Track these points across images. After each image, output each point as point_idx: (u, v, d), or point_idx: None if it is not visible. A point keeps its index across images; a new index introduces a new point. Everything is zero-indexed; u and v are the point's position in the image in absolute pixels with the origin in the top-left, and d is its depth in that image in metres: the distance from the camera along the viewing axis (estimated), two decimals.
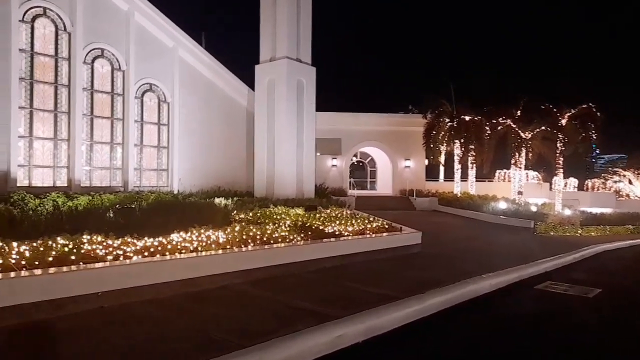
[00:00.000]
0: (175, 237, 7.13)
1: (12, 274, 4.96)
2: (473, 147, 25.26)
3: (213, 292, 6.03)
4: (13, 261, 5.25)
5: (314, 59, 22.50)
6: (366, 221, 11.53)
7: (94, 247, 6.05)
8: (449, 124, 25.52)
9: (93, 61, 18.84)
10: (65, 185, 17.92)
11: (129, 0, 19.51)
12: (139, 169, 20.39)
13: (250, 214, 12.28)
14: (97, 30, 18.67)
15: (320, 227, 9.67)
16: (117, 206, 11.75)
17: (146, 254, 6.31)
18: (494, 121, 25.09)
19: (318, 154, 26.54)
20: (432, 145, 26.03)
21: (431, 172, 30.96)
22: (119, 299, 5.30)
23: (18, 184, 16.58)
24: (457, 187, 26.32)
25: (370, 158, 31.10)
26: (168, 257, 6.21)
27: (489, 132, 25.31)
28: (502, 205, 21.05)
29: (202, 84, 22.64)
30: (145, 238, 6.89)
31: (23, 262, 5.31)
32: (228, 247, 7.17)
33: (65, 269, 5.26)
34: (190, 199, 15.89)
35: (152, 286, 5.66)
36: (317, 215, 12.76)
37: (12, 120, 16.29)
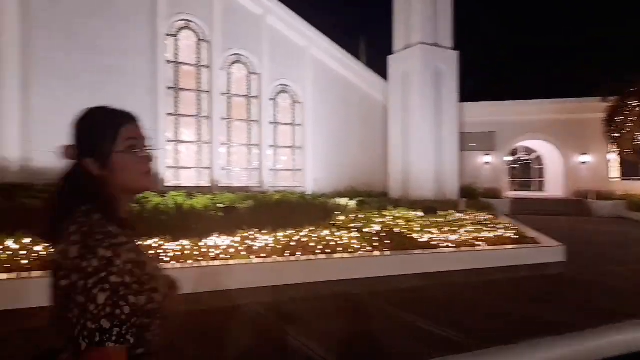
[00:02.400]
0: (211, 240, 6.19)
1: None
2: None
3: (213, 315, 4.81)
4: None
5: (462, 43, 19.81)
6: (490, 228, 9.01)
7: None
8: None
9: (230, 66, 19.71)
10: (208, 185, 19.06)
11: (262, 4, 19.92)
12: (274, 170, 20.68)
13: (353, 216, 10.84)
14: (234, 36, 19.47)
15: (410, 235, 7.69)
16: (219, 205, 11.55)
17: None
18: None
19: (472, 150, 23.44)
20: (614, 135, 20.49)
21: (627, 169, 24.44)
22: None
23: (166, 184, 18.19)
24: None
25: (535, 153, 26.34)
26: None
27: None
28: None
29: (336, 81, 21.96)
30: (182, 241, 6.11)
31: None
32: (264, 255, 5.90)
33: None
34: (318, 200, 15.21)
35: None
36: (433, 219, 10.63)
37: (161, 126, 17.92)
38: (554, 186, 24.74)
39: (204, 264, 5.47)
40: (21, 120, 15.30)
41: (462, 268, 6.88)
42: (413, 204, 15.04)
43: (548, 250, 8.06)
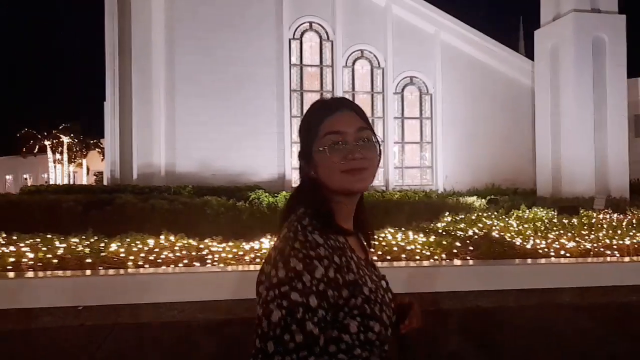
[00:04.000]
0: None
1: None
2: None
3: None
4: None
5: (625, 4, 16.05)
6: None
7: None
8: None
9: (353, 64, 19.34)
10: None
11: None
12: (400, 168, 19.64)
13: (464, 217, 9.39)
14: (356, 32, 19.03)
15: (511, 241, 6.13)
16: None
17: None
18: None
19: None
20: None
21: None
22: None
23: (294, 184, 18.66)
24: None
25: None
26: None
27: None
28: None
29: (471, 67, 19.85)
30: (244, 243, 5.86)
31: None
32: None
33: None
34: (444, 199, 13.90)
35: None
36: (566, 220, 8.53)
37: (286, 128, 18.43)
38: None
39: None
40: (166, 129, 17.27)
41: (573, 285, 5.19)
42: (557, 202, 12.58)
43: None
